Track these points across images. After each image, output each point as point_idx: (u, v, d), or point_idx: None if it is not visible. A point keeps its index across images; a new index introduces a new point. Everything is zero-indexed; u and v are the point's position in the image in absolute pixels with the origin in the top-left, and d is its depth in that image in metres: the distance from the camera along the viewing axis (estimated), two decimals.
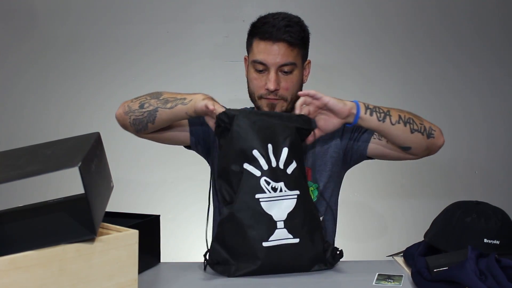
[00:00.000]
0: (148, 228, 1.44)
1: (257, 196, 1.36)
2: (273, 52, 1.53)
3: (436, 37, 2.67)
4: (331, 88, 2.63)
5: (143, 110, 1.55)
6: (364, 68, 2.68)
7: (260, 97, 1.59)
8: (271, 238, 1.35)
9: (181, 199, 2.56)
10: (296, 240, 1.36)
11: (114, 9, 2.64)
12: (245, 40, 1.63)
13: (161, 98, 1.53)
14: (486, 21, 2.67)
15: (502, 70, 2.69)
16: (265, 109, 1.60)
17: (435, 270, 1.27)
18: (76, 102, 2.66)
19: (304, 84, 1.65)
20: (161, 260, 1.52)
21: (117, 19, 2.63)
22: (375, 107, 1.49)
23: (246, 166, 1.37)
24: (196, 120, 1.63)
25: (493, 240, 1.37)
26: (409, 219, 2.61)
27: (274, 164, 1.38)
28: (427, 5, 2.66)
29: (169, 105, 1.51)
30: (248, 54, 1.63)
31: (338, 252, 1.41)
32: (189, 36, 2.65)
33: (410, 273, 1.36)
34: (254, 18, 1.62)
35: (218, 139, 1.45)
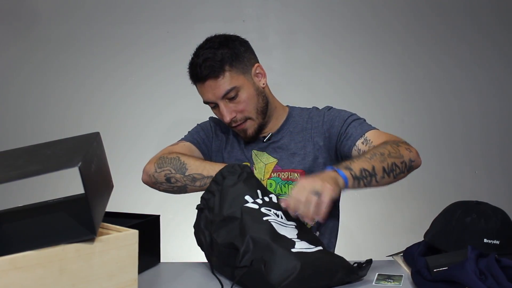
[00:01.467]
0: (148, 228, 1.44)
1: (265, 218, 1.31)
2: (208, 91, 1.57)
3: (437, 37, 2.67)
4: (332, 87, 2.64)
5: (172, 184, 1.56)
6: (366, 68, 2.67)
7: (230, 127, 1.62)
8: (296, 246, 1.26)
9: (181, 199, 2.55)
10: (320, 248, 1.30)
11: (114, 9, 2.64)
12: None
13: (187, 174, 1.53)
14: (487, 21, 2.67)
15: (503, 70, 2.69)
16: (241, 135, 1.64)
17: (435, 270, 1.27)
18: (76, 102, 2.66)
19: (263, 88, 1.63)
20: (161, 260, 1.52)
21: (117, 19, 2.63)
22: (360, 170, 1.38)
23: (243, 206, 1.32)
24: (201, 141, 1.69)
25: (493, 240, 1.36)
26: (409, 219, 2.61)
27: (267, 199, 1.37)
28: (428, 5, 2.66)
29: (198, 184, 1.52)
30: None
31: (364, 264, 1.32)
32: (189, 36, 2.63)
33: (410, 273, 1.36)
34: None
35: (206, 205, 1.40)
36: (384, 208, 2.63)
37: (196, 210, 1.41)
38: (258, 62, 1.63)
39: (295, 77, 2.57)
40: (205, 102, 1.61)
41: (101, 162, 1.14)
